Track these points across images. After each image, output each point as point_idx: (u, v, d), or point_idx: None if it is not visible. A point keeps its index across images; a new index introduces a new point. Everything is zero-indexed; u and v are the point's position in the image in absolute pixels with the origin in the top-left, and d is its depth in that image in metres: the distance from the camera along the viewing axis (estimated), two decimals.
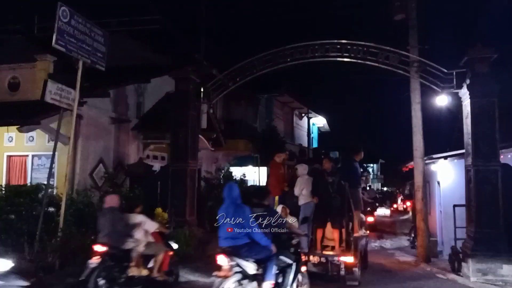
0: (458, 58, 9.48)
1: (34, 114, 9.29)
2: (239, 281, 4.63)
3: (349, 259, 7.49)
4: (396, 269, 10.28)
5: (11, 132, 10.61)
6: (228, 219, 5.01)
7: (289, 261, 5.49)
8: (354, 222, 8.37)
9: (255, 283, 4.75)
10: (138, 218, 6.97)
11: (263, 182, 20.36)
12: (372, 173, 57.15)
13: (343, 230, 7.97)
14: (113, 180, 11.04)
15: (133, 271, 6.67)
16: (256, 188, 6.23)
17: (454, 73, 9.51)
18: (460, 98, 9.71)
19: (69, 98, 8.19)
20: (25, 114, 9.50)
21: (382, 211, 28.15)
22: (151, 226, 7.08)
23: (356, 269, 7.58)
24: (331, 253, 7.16)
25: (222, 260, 4.78)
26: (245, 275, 4.80)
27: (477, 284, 8.21)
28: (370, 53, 9.95)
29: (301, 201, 8.11)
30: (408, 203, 27.71)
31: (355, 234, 8.25)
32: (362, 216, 9.54)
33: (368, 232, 10.23)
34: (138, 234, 6.89)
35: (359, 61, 10.06)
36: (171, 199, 10.49)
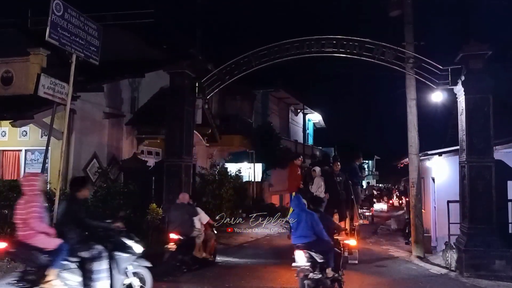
0: (453, 55, 9.50)
1: (27, 108, 9.21)
2: (311, 267, 6.16)
3: (352, 242, 9.18)
4: (391, 265, 10.32)
5: (4, 126, 10.52)
6: (302, 223, 6.44)
7: (338, 251, 7.00)
8: (355, 213, 10.19)
9: (319, 269, 6.28)
10: (198, 211, 8.83)
11: (258, 178, 20.46)
12: (367, 170, 57.36)
13: (347, 220, 9.58)
14: (107, 176, 10.99)
15: (196, 254, 8.57)
16: (313, 198, 7.93)
17: (449, 70, 9.53)
18: (455, 94, 9.73)
19: (62, 93, 8.11)
20: (18, 109, 9.42)
21: (380, 206, 29.87)
22: (205, 218, 8.91)
23: (356, 250, 9.44)
24: (337, 237, 8.13)
25: (299, 253, 6.26)
26: (314, 264, 6.22)
27: (470, 279, 8.27)
28: (365, 49, 9.93)
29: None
30: (404, 199, 28.41)
31: (355, 223, 10.00)
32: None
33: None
34: (197, 224, 8.67)
35: (355, 56, 10.04)
36: (166, 194, 10.44)
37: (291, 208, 8.24)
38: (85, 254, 5.24)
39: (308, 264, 6.16)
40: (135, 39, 15.03)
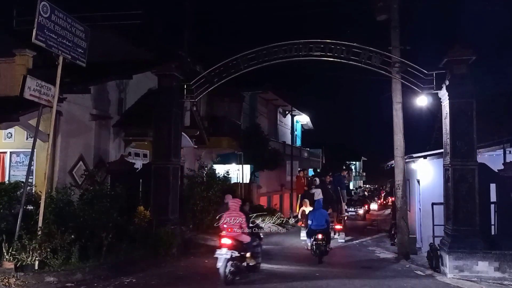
0: (438, 60, 9.68)
1: (12, 110, 9.08)
2: (324, 242, 10.59)
3: (339, 227, 14.40)
4: (376, 266, 10.46)
5: None
6: (320, 217, 10.90)
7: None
8: (342, 208, 15.38)
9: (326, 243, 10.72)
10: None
11: (247, 179, 20.50)
12: (354, 171, 57.84)
13: (337, 213, 14.38)
14: (93, 178, 10.89)
15: None
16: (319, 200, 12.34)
17: (434, 74, 9.70)
18: (440, 98, 9.92)
19: (48, 95, 8.04)
20: (3, 111, 9.27)
21: (372, 206, 33.13)
22: None
23: (343, 233, 14.59)
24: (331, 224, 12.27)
25: (320, 235, 10.53)
26: (324, 240, 10.61)
27: (454, 280, 8.44)
28: (353, 53, 10.05)
29: (316, 197, 13.24)
30: (391, 200, 29.92)
31: (342, 215, 15.13)
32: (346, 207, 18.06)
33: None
34: None
35: (343, 60, 10.16)
36: (154, 197, 10.41)
37: (298, 204, 15.18)
38: (254, 243, 8.61)
39: (324, 241, 10.59)
40: (123, 40, 14.91)
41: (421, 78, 9.85)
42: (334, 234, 13.69)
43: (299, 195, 15.49)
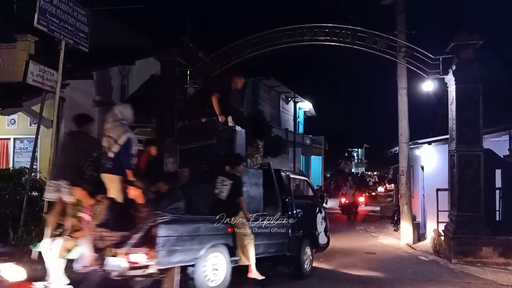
0: (445, 44, 9.54)
1: (15, 96, 9.03)
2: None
3: (362, 200, 22.64)
4: (380, 252, 10.49)
5: None
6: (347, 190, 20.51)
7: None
8: (363, 192, 27.00)
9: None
10: None
11: None
12: (356, 158, 57.83)
13: (362, 192, 25.64)
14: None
15: None
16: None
17: (441, 59, 9.59)
18: (446, 84, 9.81)
19: (51, 80, 7.96)
20: (6, 97, 9.22)
21: (379, 189, 39.05)
22: None
23: (356, 211, 19.60)
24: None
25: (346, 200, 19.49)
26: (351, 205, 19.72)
27: (458, 265, 8.47)
28: (358, 38, 9.92)
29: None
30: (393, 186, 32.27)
31: (363, 195, 25.02)
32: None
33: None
34: None
35: (347, 45, 10.04)
36: None
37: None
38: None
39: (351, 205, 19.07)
40: (125, 26, 14.76)
41: (427, 63, 9.74)
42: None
43: (343, 185, 23.95)
